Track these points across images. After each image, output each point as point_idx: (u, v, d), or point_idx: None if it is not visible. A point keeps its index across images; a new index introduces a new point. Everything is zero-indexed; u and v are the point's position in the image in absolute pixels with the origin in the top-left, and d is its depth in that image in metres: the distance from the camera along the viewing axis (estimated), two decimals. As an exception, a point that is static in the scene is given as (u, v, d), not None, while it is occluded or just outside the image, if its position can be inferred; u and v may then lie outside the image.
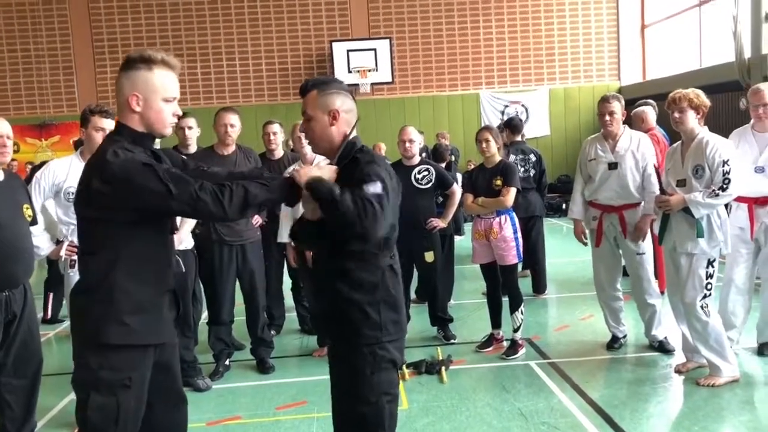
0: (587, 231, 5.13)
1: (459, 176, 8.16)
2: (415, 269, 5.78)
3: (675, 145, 4.50)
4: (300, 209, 2.55)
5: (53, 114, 14.56)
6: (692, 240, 4.19)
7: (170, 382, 2.58)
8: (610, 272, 5.05)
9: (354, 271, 2.47)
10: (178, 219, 2.80)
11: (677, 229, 4.28)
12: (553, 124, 15.21)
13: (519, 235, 5.10)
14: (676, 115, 4.24)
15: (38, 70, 14.57)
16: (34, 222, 3.66)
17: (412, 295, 6.32)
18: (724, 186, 4.08)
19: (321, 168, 2.42)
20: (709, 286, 4.21)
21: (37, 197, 3.93)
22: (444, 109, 15.06)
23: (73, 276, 3.68)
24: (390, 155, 10.63)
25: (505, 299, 5.19)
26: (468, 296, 7.06)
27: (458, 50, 15.04)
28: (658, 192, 4.43)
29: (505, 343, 5.22)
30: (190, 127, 4.99)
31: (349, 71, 14.17)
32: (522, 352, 5.09)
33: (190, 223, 4.44)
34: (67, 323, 6.28)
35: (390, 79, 14.45)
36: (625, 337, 5.16)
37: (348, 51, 14.22)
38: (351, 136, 2.56)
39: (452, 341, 5.51)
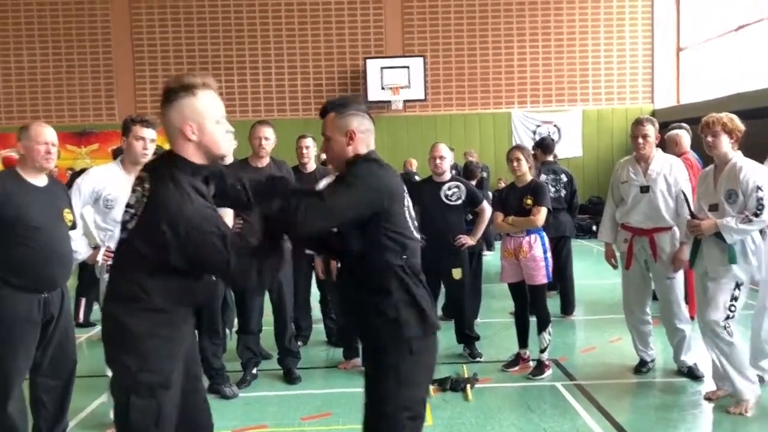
0: (617, 253, 5.10)
1: (490, 194, 8.16)
2: (442, 286, 5.79)
3: (707, 168, 4.48)
4: None
5: (93, 122, 14.91)
6: (724, 265, 4.16)
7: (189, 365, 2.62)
8: (640, 295, 5.01)
9: (364, 270, 2.54)
10: None
11: (708, 254, 4.24)
12: (586, 145, 15.14)
13: (549, 254, 5.09)
14: (710, 139, 4.22)
15: (80, 80, 14.95)
16: (73, 226, 3.78)
17: (439, 312, 6.32)
18: (758, 212, 4.05)
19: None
20: (732, 308, 4.18)
21: (77, 203, 4.03)
22: (475, 127, 15.09)
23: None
24: (421, 171, 10.70)
25: (533, 319, 5.18)
26: (495, 315, 7.04)
27: (491, 69, 15.08)
28: (689, 216, 4.40)
29: (532, 363, 5.20)
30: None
31: (382, 88, 14.30)
32: (548, 372, 5.07)
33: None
34: (98, 327, 6.40)
35: (422, 97, 14.53)
36: (653, 361, 5.11)
37: (382, 68, 14.35)
38: (363, 153, 2.62)
39: (478, 359, 5.50)
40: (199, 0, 14.84)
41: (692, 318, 5.10)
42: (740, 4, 12.52)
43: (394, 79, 14.31)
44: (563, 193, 6.99)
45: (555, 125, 15.04)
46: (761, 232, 4.27)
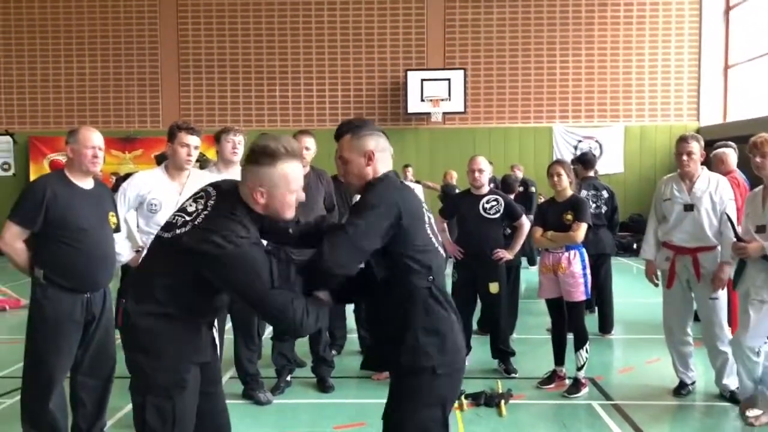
0: (659, 272, 5.01)
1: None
2: (478, 299, 5.75)
3: (756, 190, 4.38)
4: None
5: (137, 128, 15.25)
6: (768, 289, 4.06)
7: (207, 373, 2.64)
8: (681, 315, 4.91)
9: (386, 296, 2.49)
10: None
11: (753, 277, 4.15)
12: (627, 162, 14.92)
13: (588, 271, 5.03)
14: (758, 159, 4.13)
15: (127, 87, 15.32)
16: (117, 229, 3.86)
17: (474, 326, 6.28)
18: (807, 235, 3.94)
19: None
20: None
21: (122, 206, 4.11)
22: (515, 141, 15.00)
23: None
24: (460, 184, 10.67)
25: (570, 336, 5.11)
26: (532, 331, 6.96)
27: (533, 83, 15.00)
28: (734, 237, 4.30)
29: (568, 381, 5.12)
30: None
31: (422, 100, 14.33)
32: (585, 391, 4.99)
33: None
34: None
35: (462, 109, 14.51)
36: (693, 383, 4.99)
37: (422, 80, 14.38)
38: (382, 173, 2.60)
39: (513, 375, 5.44)
40: (244, 12, 15.10)
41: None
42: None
43: (435, 92, 14.33)
44: (604, 209, 6.89)
45: (597, 141, 14.87)
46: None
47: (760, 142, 4.12)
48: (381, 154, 2.60)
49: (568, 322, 5.12)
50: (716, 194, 4.69)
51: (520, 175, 11.45)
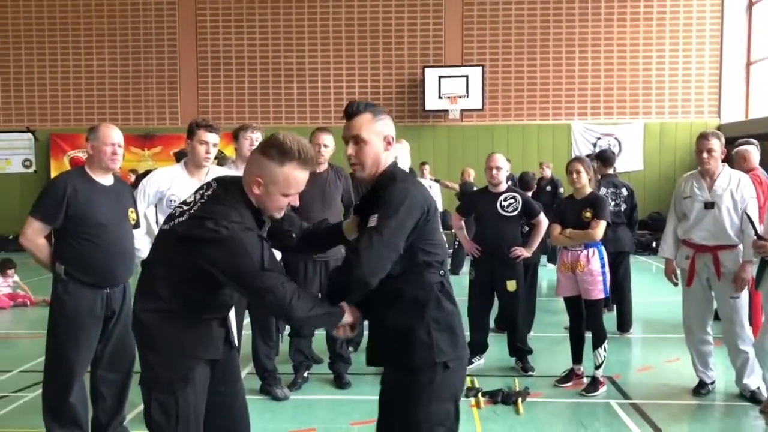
0: (678, 270, 4.96)
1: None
2: (495, 297, 5.74)
3: (778, 186, 4.32)
4: None
5: (156, 126, 15.37)
6: (792, 288, 4.00)
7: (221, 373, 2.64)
8: (701, 314, 4.86)
9: (399, 291, 2.45)
10: None
11: (776, 275, 4.09)
12: (647, 159, 14.79)
13: (607, 269, 4.99)
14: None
15: (146, 85, 15.44)
16: (137, 225, 3.90)
17: (491, 324, 6.26)
18: (831, 232, 3.88)
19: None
20: None
21: (142, 202, 4.15)
22: (534, 138, 14.92)
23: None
24: (477, 182, 10.63)
25: (588, 335, 5.08)
26: (549, 329, 6.92)
27: (551, 80, 14.90)
28: (754, 236, 4.25)
29: (586, 380, 5.09)
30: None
31: (440, 97, 14.29)
32: (602, 389, 4.96)
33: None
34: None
35: (480, 106, 14.46)
36: (713, 383, 4.94)
37: (440, 77, 14.34)
38: (391, 163, 2.53)
39: (530, 373, 5.42)
40: (262, 9, 15.15)
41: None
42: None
43: (452, 89, 14.28)
44: (623, 207, 6.84)
45: (616, 138, 14.75)
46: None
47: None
48: (395, 143, 2.56)
49: (586, 320, 5.09)
50: (737, 192, 4.63)
51: (548, 172, 11.36)
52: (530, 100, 15.01)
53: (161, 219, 4.28)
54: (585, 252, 4.97)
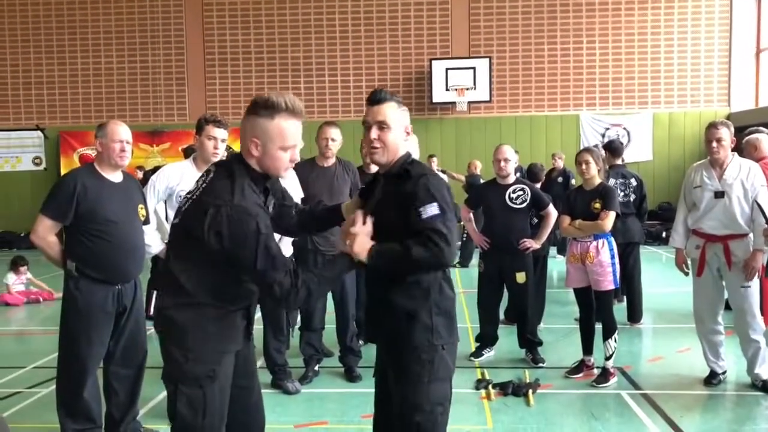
0: (689, 260, 4.94)
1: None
2: (505, 289, 5.73)
3: (789, 175, 4.29)
4: None
5: (165, 122, 15.42)
6: (803, 276, 3.98)
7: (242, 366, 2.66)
8: (711, 304, 4.84)
9: (405, 276, 2.53)
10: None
11: (787, 263, 4.07)
12: (656, 149, 14.71)
13: (616, 260, 4.98)
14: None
15: (154, 82, 15.48)
16: (146, 221, 3.92)
17: (501, 316, 6.26)
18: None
19: (359, 233, 2.45)
20: None
21: (151, 198, 4.18)
22: (542, 129, 14.87)
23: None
24: (485, 174, 10.61)
25: (598, 326, 5.07)
26: (559, 321, 6.92)
27: (559, 70, 14.83)
28: (765, 224, 4.22)
29: (596, 371, 5.09)
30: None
31: (447, 89, 14.26)
32: (613, 380, 4.95)
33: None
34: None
35: (488, 98, 14.41)
36: (724, 373, 4.93)
37: (447, 69, 14.30)
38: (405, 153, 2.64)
39: (540, 365, 5.43)
40: (268, 4, 15.14)
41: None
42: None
43: (460, 81, 14.25)
44: (632, 197, 6.82)
45: (624, 128, 14.68)
46: None
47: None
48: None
49: (596, 311, 5.08)
50: (747, 181, 4.61)
51: (560, 164, 11.27)
52: (538, 91, 14.95)
53: (171, 215, 4.31)
54: (594, 243, 4.96)
